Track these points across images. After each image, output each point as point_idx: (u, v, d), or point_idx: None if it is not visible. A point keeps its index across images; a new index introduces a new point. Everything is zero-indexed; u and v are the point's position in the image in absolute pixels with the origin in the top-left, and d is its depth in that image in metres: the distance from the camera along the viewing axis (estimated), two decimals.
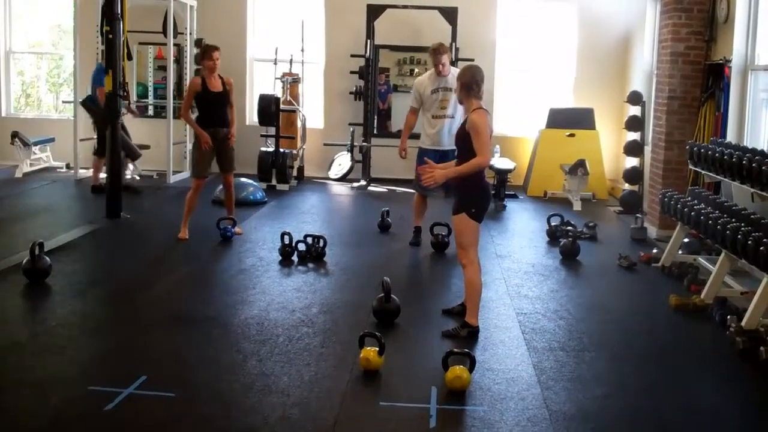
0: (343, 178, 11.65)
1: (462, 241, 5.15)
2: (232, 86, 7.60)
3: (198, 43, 11.29)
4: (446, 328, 5.13)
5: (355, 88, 11.71)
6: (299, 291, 5.96)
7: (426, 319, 5.45)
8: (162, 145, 11.01)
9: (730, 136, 7.42)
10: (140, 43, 11.77)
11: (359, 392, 4.18)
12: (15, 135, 11.15)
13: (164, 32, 11.02)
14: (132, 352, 4.64)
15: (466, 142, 5.07)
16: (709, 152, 6.39)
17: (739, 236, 5.22)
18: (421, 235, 7.63)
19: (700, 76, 8.08)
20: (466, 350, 4.33)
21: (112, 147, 8.47)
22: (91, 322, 5.24)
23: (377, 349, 4.35)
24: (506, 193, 10.16)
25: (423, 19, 11.39)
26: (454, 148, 7.20)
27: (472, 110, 5.12)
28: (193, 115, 7.62)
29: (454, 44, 10.78)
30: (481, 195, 5.19)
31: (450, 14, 11.00)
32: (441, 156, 7.29)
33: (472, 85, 5.14)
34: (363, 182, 11.27)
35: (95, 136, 9.99)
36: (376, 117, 11.63)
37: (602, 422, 3.94)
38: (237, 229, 7.71)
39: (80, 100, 10.41)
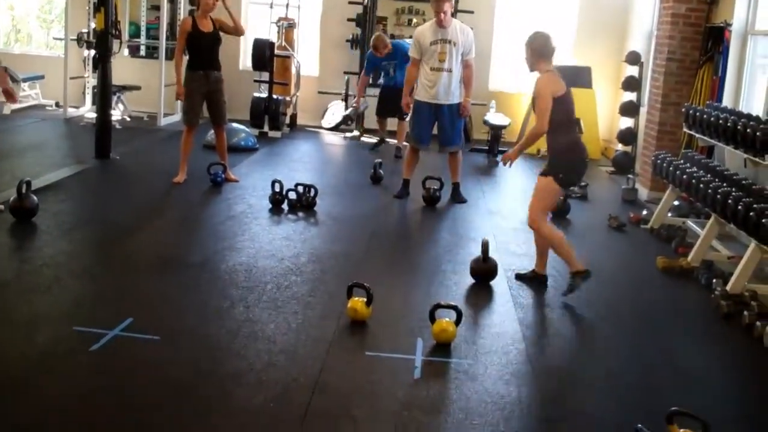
0: (336, 128, 11.57)
1: (539, 203, 5.08)
2: (221, 21, 7.49)
3: None
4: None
5: (351, 36, 11.58)
6: (288, 239, 5.94)
7: (414, 272, 5.46)
8: (153, 87, 10.88)
9: (726, 101, 7.38)
10: None
11: (346, 342, 4.20)
12: (4, 70, 10.96)
13: None
14: (118, 295, 4.63)
15: (535, 106, 5.04)
16: (704, 116, 6.36)
17: (729, 201, 5.23)
18: (409, 188, 7.59)
19: (700, 39, 8.00)
20: (453, 303, 4.34)
21: (102, 87, 8.37)
22: (77, 262, 5.22)
23: (365, 299, 4.36)
24: (500, 149, 10.13)
25: None
26: (451, 102, 7.21)
27: (542, 73, 5.04)
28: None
29: None
30: (570, 162, 5.06)
31: None
32: (436, 109, 7.26)
33: (543, 51, 5.08)
34: (356, 132, 11.20)
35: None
36: None
37: (584, 379, 3.97)
38: (232, 176, 7.66)
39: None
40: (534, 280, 5.32)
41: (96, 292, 4.69)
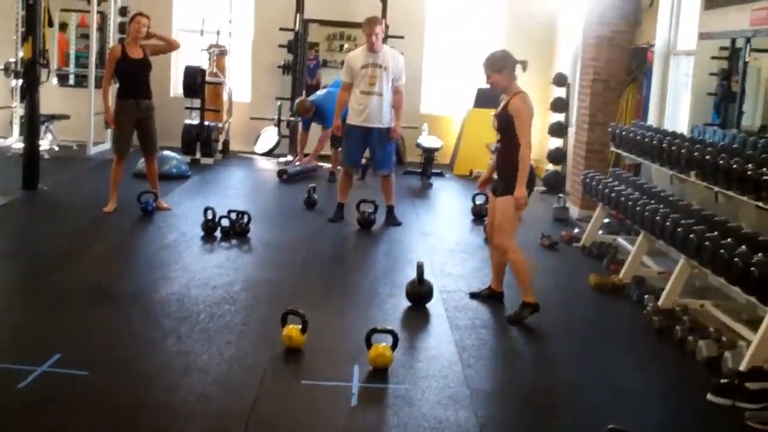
0: (269, 153, 11.52)
1: (505, 224, 5.11)
2: (152, 46, 7.41)
3: (123, 11, 10.97)
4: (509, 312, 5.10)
5: (283, 62, 11.56)
6: (221, 267, 5.85)
7: (350, 297, 5.43)
8: (83, 116, 10.65)
9: (651, 120, 7.58)
10: (63, 10, 11.41)
11: (281, 370, 4.14)
12: None
13: None
14: (46, 329, 4.48)
15: (508, 124, 5.04)
16: (630, 135, 6.51)
17: (657, 218, 5.34)
18: (344, 212, 7.57)
19: (625, 60, 8.21)
20: (389, 328, 4.32)
21: (30, 117, 8.18)
22: (1, 297, 5.05)
23: (300, 326, 4.31)
24: (432, 171, 10.21)
25: None
26: (381, 126, 7.24)
27: (514, 93, 5.12)
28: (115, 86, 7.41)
29: (384, 21, 10.70)
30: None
31: None
32: (367, 133, 7.28)
33: (514, 68, 5.22)
34: (290, 157, 11.15)
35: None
36: (304, 92, 11.49)
37: (522, 400, 3.99)
38: (163, 204, 7.53)
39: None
40: (489, 297, 5.37)
41: (22, 327, 4.53)
